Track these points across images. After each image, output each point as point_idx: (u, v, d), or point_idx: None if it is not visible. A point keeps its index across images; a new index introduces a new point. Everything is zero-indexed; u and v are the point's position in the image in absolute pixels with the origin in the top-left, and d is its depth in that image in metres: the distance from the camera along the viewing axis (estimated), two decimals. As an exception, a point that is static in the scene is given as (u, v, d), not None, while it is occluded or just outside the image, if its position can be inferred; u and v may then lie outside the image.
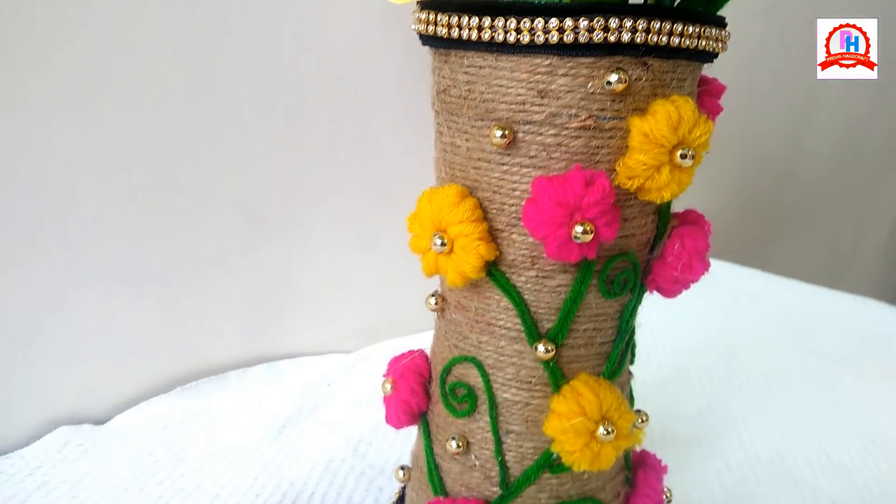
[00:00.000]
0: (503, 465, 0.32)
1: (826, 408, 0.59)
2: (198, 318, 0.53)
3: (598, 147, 0.27)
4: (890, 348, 0.73)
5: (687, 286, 0.32)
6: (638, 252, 0.30)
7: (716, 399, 0.60)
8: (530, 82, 0.26)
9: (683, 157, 0.26)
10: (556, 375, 0.30)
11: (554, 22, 0.25)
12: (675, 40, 0.26)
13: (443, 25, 0.27)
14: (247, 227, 0.54)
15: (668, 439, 0.50)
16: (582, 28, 0.25)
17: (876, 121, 1.35)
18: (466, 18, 0.26)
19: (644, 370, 0.54)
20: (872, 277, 1.56)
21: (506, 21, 0.25)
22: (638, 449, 0.37)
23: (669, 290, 0.32)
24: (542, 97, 0.26)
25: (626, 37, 0.25)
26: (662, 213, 0.31)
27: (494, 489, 0.32)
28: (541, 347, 0.30)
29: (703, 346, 0.70)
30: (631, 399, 0.35)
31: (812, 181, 1.24)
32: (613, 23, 0.25)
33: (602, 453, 0.30)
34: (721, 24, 0.28)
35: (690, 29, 0.26)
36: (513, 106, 0.27)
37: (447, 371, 0.33)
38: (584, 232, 0.26)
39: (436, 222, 0.29)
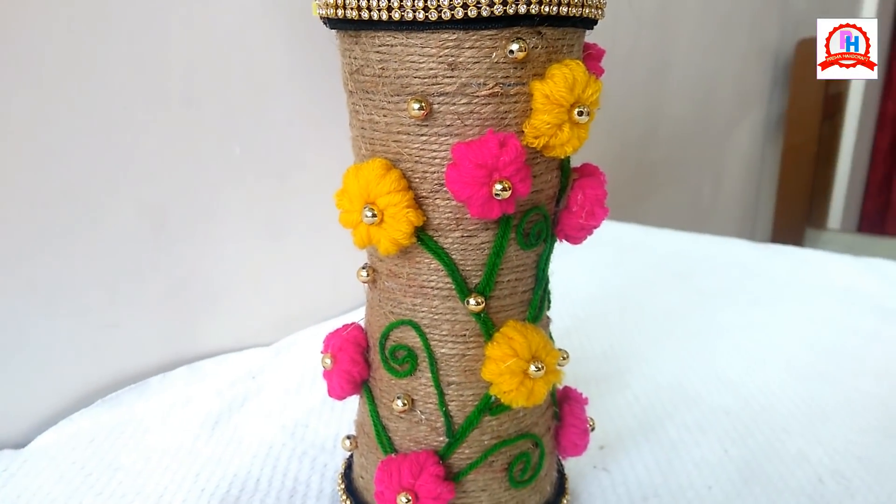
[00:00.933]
0: (447, 416, 0.34)
1: (711, 335, 0.66)
2: (111, 327, 0.52)
3: (506, 112, 0.30)
4: (755, 278, 0.82)
5: (590, 232, 0.36)
6: (547, 205, 0.33)
7: (616, 341, 0.65)
8: (440, 56, 0.29)
9: (580, 114, 0.30)
10: (488, 325, 0.33)
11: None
12: (564, 9, 0.29)
13: (352, 8, 0.29)
14: (150, 231, 0.53)
15: (580, 380, 0.54)
16: (483, 3, 0.27)
17: (723, 78, 1.48)
18: (376, 0, 0.28)
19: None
20: (732, 219, 1.72)
21: (413, 0, 0.27)
22: (560, 386, 0.41)
23: (576, 237, 0.35)
24: (453, 69, 0.29)
25: (522, 9, 0.28)
26: (564, 169, 0.34)
27: (441, 439, 0.35)
28: (472, 301, 0.32)
29: (598, 296, 0.76)
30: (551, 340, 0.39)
31: (672, 139, 1.34)
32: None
33: (535, 389, 0.33)
34: None
35: (577, -1, 0.29)
36: (426, 80, 0.29)
37: (385, 337, 0.35)
38: (504, 189, 0.29)
39: (364, 195, 0.31)
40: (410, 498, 0.33)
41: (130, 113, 0.50)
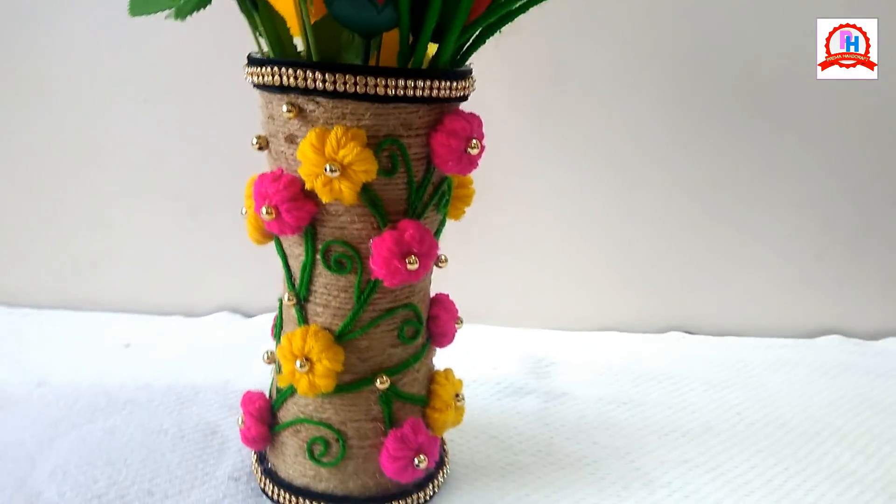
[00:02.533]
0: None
1: None
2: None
3: (293, 155, 0.38)
4: None
5: (400, 280, 0.39)
6: (357, 242, 0.39)
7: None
8: (267, 108, 0.39)
9: (332, 170, 0.36)
10: (300, 316, 0.42)
11: (259, 68, 0.37)
12: (333, 86, 0.35)
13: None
14: None
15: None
16: (267, 73, 0.37)
17: None
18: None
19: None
20: None
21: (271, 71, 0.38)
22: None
23: (385, 279, 0.39)
24: (271, 119, 0.39)
25: (291, 82, 0.36)
26: (381, 217, 0.39)
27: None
28: (286, 296, 0.42)
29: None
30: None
31: None
32: (288, 71, 0.36)
33: (302, 380, 0.40)
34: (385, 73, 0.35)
35: (349, 78, 0.35)
36: (265, 123, 0.40)
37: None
38: (268, 213, 0.38)
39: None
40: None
41: None
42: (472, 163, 0.40)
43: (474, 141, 0.39)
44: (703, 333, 0.75)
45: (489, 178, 0.71)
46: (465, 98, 0.40)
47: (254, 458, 0.48)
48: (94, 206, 0.73)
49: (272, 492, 0.45)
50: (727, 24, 0.66)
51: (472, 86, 0.40)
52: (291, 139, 0.38)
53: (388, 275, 0.38)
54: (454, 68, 0.39)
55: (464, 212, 0.46)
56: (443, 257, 0.45)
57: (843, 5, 0.57)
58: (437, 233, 0.43)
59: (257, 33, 0.39)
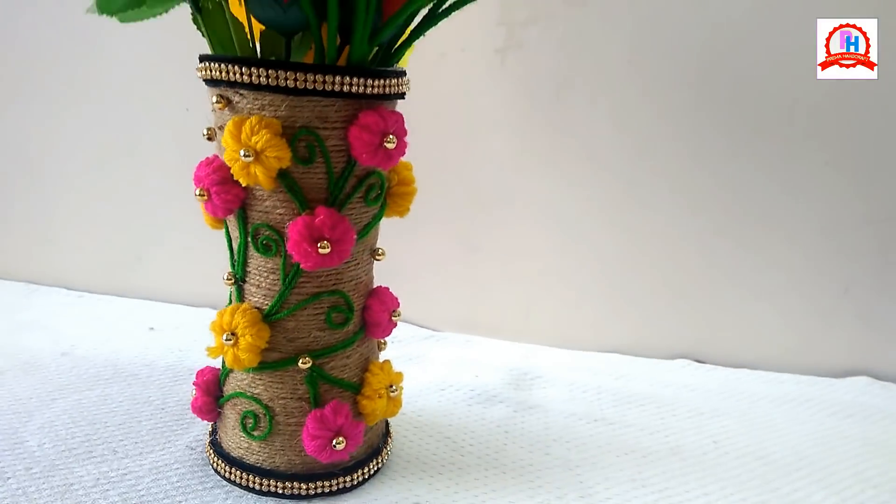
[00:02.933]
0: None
1: None
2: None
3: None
4: None
5: (311, 262, 0.41)
6: (280, 226, 0.42)
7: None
8: (211, 102, 0.43)
9: (245, 155, 0.39)
10: (238, 295, 0.45)
11: (201, 64, 0.41)
12: (255, 79, 0.39)
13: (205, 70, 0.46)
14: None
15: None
16: (203, 68, 0.41)
17: None
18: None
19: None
20: None
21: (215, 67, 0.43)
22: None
23: (300, 262, 0.42)
24: (213, 112, 0.43)
25: (220, 76, 0.40)
26: (301, 203, 0.42)
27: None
28: (225, 275, 0.45)
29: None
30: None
31: None
32: (214, 65, 0.40)
33: (228, 353, 0.44)
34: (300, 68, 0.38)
35: (262, 72, 0.39)
36: (211, 115, 0.44)
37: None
38: (200, 194, 0.42)
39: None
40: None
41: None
42: (390, 157, 0.42)
43: (390, 136, 0.41)
44: (714, 363, 0.72)
45: (492, 191, 0.72)
46: (396, 96, 0.43)
47: (209, 430, 0.52)
48: (142, 206, 0.81)
49: (213, 461, 0.49)
50: (729, 26, 0.64)
51: (399, 85, 0.43)
52: (222, 129, 0.42)
53: (300, 257, 0.41)
54: (382, 66, 0.42)
55: (408, 209, 0.48)
56: (380, 250, 0.47)
57: (843, 5, 0.54)
58: (370, 225, 0.45)
59: (203, 34, 0.43)
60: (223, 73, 0.40)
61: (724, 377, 0.69)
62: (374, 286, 0.49)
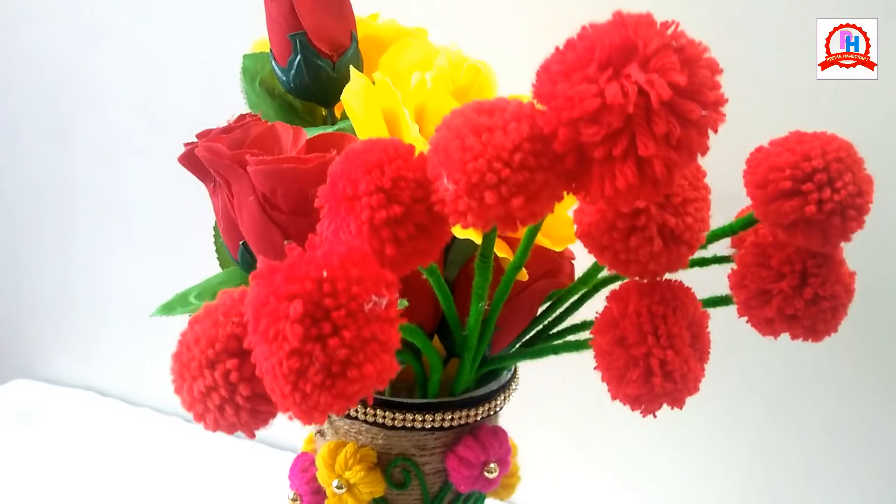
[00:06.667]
0: None
1: None
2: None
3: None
4: None
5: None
6: None
7: None
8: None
9: (339, 487, 0.37)
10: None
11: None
12: (352, 413, 0.37)
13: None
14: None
15: None
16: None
17: None
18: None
19: None
20: None
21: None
22: None
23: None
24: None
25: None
26: None
27: None
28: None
29: None
30: None
31: None
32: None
33: None
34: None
35: (359, 409, 0.37)
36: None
37: None
38: (293, 500, 0.41)
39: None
40: None
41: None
42: (491, 484, 0.39)
43: (491, 466, 0.38)
44: None
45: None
46: (497, 412, 0.40)
47: None
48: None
49: None
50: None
51: (503, 400, 0.40)
52: (321, 433, 0.40)
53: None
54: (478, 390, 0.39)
55: (508, 497, 0.45)
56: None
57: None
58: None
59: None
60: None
61: None
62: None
